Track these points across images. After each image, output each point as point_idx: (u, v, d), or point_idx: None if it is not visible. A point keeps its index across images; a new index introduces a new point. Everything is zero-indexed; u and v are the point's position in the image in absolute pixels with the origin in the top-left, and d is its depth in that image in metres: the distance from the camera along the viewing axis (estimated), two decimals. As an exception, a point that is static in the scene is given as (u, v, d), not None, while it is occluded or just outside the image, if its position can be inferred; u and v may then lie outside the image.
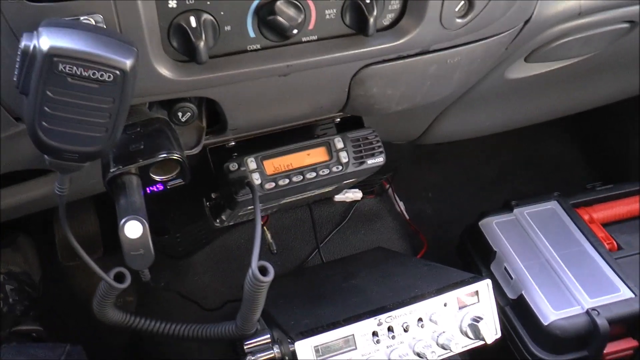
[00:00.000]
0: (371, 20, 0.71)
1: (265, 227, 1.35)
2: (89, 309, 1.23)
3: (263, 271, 0.76)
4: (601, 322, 1.16)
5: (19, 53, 0.52)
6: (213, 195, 0.97)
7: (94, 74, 0.52)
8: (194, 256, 1.36)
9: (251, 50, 0.71)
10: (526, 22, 0.92)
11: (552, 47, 1.03)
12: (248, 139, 0.94)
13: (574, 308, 1.19)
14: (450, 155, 1.81)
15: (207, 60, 0.66)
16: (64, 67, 0.51)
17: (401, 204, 1.64)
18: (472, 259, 1.36)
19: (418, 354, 0.87)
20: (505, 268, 1.27)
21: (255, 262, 0.76)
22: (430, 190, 1.78)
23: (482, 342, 0.91)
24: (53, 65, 0.51)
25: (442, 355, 0.89)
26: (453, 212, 1.69)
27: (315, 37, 0.74)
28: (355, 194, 1.51)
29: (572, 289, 1.21)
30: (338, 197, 1.48)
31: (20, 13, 0.56)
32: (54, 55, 0.51)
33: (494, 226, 1.34)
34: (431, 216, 1.72)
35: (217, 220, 1.06)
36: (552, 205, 1.38)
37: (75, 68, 0.51)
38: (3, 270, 1.43)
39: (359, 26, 0.73)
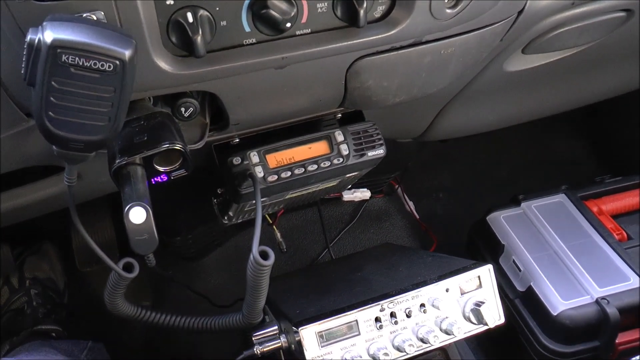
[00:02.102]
0: (361, 12, 0.74)
1: (274, 227, 1.38)
2: (105, 313, 1.27)
3: (264, 256, 0.78)
4: (611, 310, 1.16)
5: (25, 46, 0.56)
6: (219, 191, 1.00)
7: (95, 64, 0.55)
8: (206, 258, 1.39)
9: (247, 44, 0.74)
10: (520, 12, 0.94)
11: (549, 38, 1.05)
12: (252, 136, 0.97)
13: (584, 298, 1.19)
14: (460, 155, 1.83)
15: (204, 54, 0.69)
16: (67, 58, 0.55)
17: (411, 203, 1.65)
18: (481, 253, 1.37)
19: (421, 339, 0.89)
20: (513, 261, 1.28)
21: (256, 247, 0.78)
22: (440, 190, 1.80)
23: (485, 327, 0.92)
24: (57, 56, 0.55)
25: (445, 340, 0.90)
26: (463, 211, 1.70)
27: (308, 30, 0.77)
28: (364, 194, 1.53)
29: (581, 279, 1.22)
30: (347, 197, 1.51)
31: (26, 11, 0.60)
32: (57, 46, 0.54)
33: (502, 220, 1.35)
34: (442, 216, 1.73)
35: (225, 217, 1.09)
36: (560, 198, 1.39)
37: (77, 59, 0.55)
38: (29, 275, 1.48)
39: (351, 18, 0.76)
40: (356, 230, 1.51)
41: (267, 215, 1.38)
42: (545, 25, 1.01)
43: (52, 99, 0.57)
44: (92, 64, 0.56)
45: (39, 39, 0.55)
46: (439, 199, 1.76)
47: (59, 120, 0.59)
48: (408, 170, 1.65)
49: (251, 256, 0.77)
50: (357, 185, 1.54)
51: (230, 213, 1.06)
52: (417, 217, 1.64)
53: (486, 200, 1.71)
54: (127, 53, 0.57)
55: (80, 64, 0.55)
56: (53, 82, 0.56)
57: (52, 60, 0.55)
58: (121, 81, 0.58)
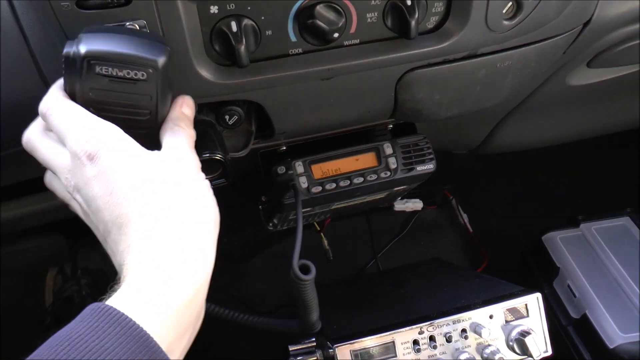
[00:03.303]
0: (413, 23, 0.71)
1: (322, 234, 1.37)
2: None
3: (305, 269, 0.77)
4: (675, 348, 1.08)
5: (62, 59, 0.56)
6: (263, 199, 0.99)
7: (128, 73, 0.56)
8: (252, 260, 1.39)
9: (293, 55, 0.73)
10: (585, 24, 0.88)
11: (617, 52, 0.98)
12: (299, 144, 0.96)
13: (644, 331, 1.11)
14: (520, 168, 1.75)
15: (248, 63, 0.68)
16: (101, 69, 0.55)
17: (465, 216, 1.60)
18: (534, 275, 1.31)
19: (461, 366, 0.85)
20: (568, 285, 1.21)
21: (295, 261, 0.76)
22: (498, 204, 1.73)
23: (529, 359, 0.87)
24: (91, 68, 0.55)
25: (487, 368, 0.86)
26: (520, 227, 1.63)
27: (357, 41, 0.74)
28: (416, 204, 1.49)
29: (642, 310, 1.14)
30: (398, 207, 1.48)
31: (71, 19, 0.60)
32: (90, 57, 0.55)
33: (558, 241, 1.28)
34: (497, 231, 1.67)
35: (270, 224, 1.08)
36: (624, 221, 1.31)
37: (111, 69, 0.55)
38: (81, 265, 1.53)
39: (401, 29, 0.73)
40: (406, 242, 1.48)
41: (315, 223, 1.36)
42: (614, 37, 0.94)
43: (91, 109, 0.57)
44: (126, 74, 0.56)
45: (74, 51, 0.55)
46: (494, 214, 1.69)
47: None
48: (463, 182, 1.59)
49: (291, 272, 0.76)
50: (410, 195, 1.51)
51: (275, 220, 1.06)
52: (471, 230, 1.59)
53: (544, 218, 1.64)
54: (159, 60, 0.56)
55: (114, 74, 0.55)
56: (90, 94, 0.56)
57: (87, 71, 0.55)
58: (156, 88, 0.58)
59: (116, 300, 0.47)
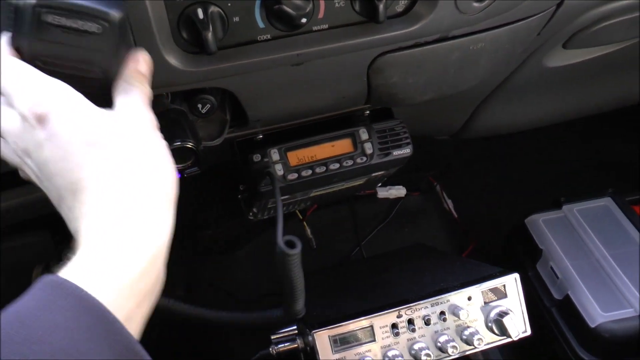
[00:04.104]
0: (381, 6, 0.70)
1: (305, 223, 1.37)
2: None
3: (291, 245, 0.75)
4: (657, 326, 1.09)
5: (10, 10, 0.55)
6: (241, 188, 0.99)
7: (82, 25, 0.53)
8: (236, 252, 1.39)
9: (262, 41, 0.72)
10: (559, 5, 0.88)
11: (592, 32, 0.98)
12: (276, 133, 0.96)
13: (626, 311, 1.12)
14: (505, 153, 1.76)
15: (216, 50, 0.67)
16: (53, 19, 0.53)
17: (450, 202, 1.60)
18: (518, 258, 1.31)
19: (440, 349, 0.85)
20: (551, 267, 1.22)
21: (280, 236, 0.75)
22: (481, 189, 1.74)
23: (508, 339, 0.88)
24: (41, 18, 0.53)
25: (465, 350, 0.86)
26: (505, 212, 1.63)
27: (326, 26, 0.74)
28: (399, 191, 1.49)
29: (624, 290, 1.14)
30: (381, 194, 1.48)
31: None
32: (42, 6, 0.53)
33: (541, 224, 1.28)
34: (482, 216, 1.67)
35: (250, 214, 1.08)
36: (606, 202, 1.31)
37: (63, 19, 0.53)
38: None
39: (370, 13, 0.72)
40: (390, 229, 1.48)
41: (297, 212, 1.37)
42: (588, 17, 0.94)
43: (38, 63, 0.55)
44: (80, 25, 0.53)
45: (24, 1, 0.53)
46: (479, 199, 1.70)
47: None
48: (448, 167, 1.59)
49: (277, 248, 0.74)
50: (393, 182, 1.51)
51: (255, 209, 1.05)
52: (456, 216, 1.59)
53: (529, 202, 1.64)
54: (114, 14, 0.54)
55: (66, 24, 0.53)
56: (39, 47, 0.54)
57: (37, 22, 0.53)
58: (109, 44, 0.55)
59: (69, 271, 0.46)
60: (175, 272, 1.45)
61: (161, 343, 1.41)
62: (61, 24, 0.53)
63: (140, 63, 0.59)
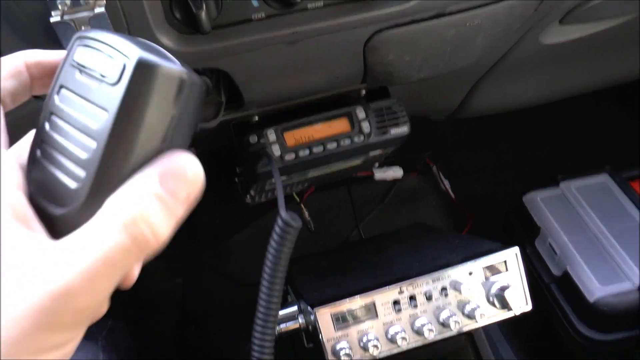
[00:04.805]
0: (376, -18, 0.70)
1: (302, 206, 1.37)
2: (137, 290, 1.27)
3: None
4: (654, 299, 1.09)
5: None
6: (238, 170, 0.99)
7: (103, 60, 0.34)
8: (234, 237, 1.39)
9: (256, 20, 0.72)
10: (555, -20, 0.88)
11: (589, 7, 0.97)
12: (272, 114, 0.95)
13: (624, 284, 1.12)
14: (501, 133, 1.76)
15: (210, 30, 0.67)
16: (82, 46, 0.36)
17: (446, 182, 1.61)
18: (517, 236, 1.32)
19: (442, 324, 0.86)
20: (549, 244, 1.22)
21: (282, 207, 0.72)
22: (478, 169, 1.74)
23: (510, 313, 0.88)
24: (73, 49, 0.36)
25: (467, 325, 0.87)
26: (503, 191, 1.63)
27: (321, 4, 0.73)
28: (396, 172, 1.49)
29: (621, 264, 1.15)
30: (378, 176, 1.48)
31: None
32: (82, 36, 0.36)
33: (539, 201, 1.29)
34: (480, 195, 1.67)
35: (248, 197, 1.08)
36: (603, 178, 1.31)
37: (89, 50, 0.35)
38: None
39: (365, -10, 0.72)
40: (388, 210, 1.48)
41: (294, 194, 1.36)
42: (585, -8, 0.94)
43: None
44: (100, 60, 0.34)
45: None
46: (476, 179, 1.70)
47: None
48: (444, 148, 1.59)
49: (278, 219, 0.70)
50: (390, 163, 1.51)
51: (252, 192, 1.05)
52: (453, 196, 1.59)
53: (527, 180, 1.65)
54: (151, 60, 0.32)
55: (88, 60, 0.35)
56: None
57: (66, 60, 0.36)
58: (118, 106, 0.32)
59: None
60: (173, 260, 1.46)
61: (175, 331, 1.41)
62: (81, 62, 0.35)
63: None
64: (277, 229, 0.69)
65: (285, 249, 0.69)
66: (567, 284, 1.16)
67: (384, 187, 1.50)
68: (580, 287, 1.12)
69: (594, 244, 1.19)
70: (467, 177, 1.68)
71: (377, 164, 1.16)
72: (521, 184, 1.50)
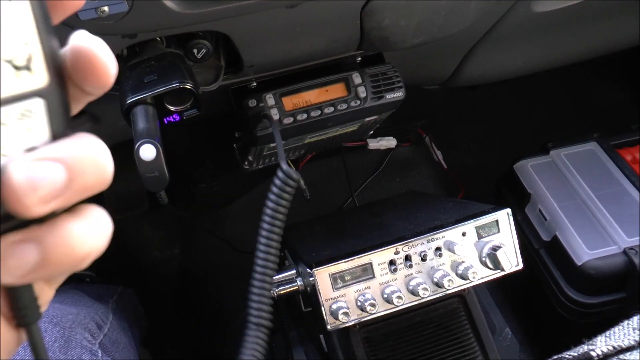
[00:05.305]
0: (374, -55, 0.71)
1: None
2: (138, 258, 1.29)
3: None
4: (639, 261, 1.13)
5: None
6: (237, 134, 1.00)
7: None
8: (232, 205, 1.41)
9: (256, -18, 0.73)
10: (547, -54, 0.89)
11: (581, -26, 0.99)
12: (270, 80, 0.97)
13: (610, 248, 1.16)
14: (492, 102, 1.78)
15: (212, -9, 0.68)
16: None
17: (439, 152, 1.63)
18: (508, 203, 1.35)
19: (436, 284, 0.88)
20: (539, 210, 1.25)
21: (283, 159, 0.72)
22: (470, 139, 1.76)
23: (502, 273, 0.91)
24: None
25: (461, 285, 0.90)
26: (494, 161, 1.66)
27: (319, -33, 0.75)
28: (390, 142, 1.51)
29: (608, 228, 1.18)
30: (372, 145, 1.50)
31: None
32: None
33: (529, 168, 1.31)
34: (472, 165, 1.70)
35: (246, 162, 1.10)
36: (592, 146, 1.34)
37: None
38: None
39: (363, -47, 0.73)
40: (382, 179, 1.50)
41: (289, 162, 1.38)
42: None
43: None
44: None
45: None
46: (468, 149, 1.72)
47: None
48: (436, 118, 1.61)
49: (278, 171, 0.70)
50: (383, 133, 1.53)
51: (250, 158, 1.07)
52: (445, 166, 1.62)
53: (518, 150, 1.67)
54: None
55: None
56: None
57: None
58: None
59: None
60: (171, 229, 1.48)
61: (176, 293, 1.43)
62: None
63: None
64: (276, 181, 0.70)
65: (284, 202, 0.70)
66: (556, 248, 1.19)
67: (377, 157, 1.52)
68: (569, 251, 1.16)
69: (582, 210, 1.23)
70: (459, 148, 1.70)
71: (371, 132, 1.18)
72: (512, 152, 1.53)
